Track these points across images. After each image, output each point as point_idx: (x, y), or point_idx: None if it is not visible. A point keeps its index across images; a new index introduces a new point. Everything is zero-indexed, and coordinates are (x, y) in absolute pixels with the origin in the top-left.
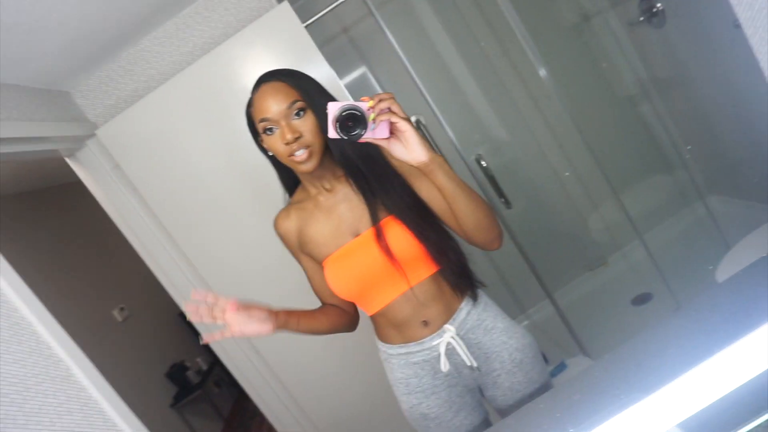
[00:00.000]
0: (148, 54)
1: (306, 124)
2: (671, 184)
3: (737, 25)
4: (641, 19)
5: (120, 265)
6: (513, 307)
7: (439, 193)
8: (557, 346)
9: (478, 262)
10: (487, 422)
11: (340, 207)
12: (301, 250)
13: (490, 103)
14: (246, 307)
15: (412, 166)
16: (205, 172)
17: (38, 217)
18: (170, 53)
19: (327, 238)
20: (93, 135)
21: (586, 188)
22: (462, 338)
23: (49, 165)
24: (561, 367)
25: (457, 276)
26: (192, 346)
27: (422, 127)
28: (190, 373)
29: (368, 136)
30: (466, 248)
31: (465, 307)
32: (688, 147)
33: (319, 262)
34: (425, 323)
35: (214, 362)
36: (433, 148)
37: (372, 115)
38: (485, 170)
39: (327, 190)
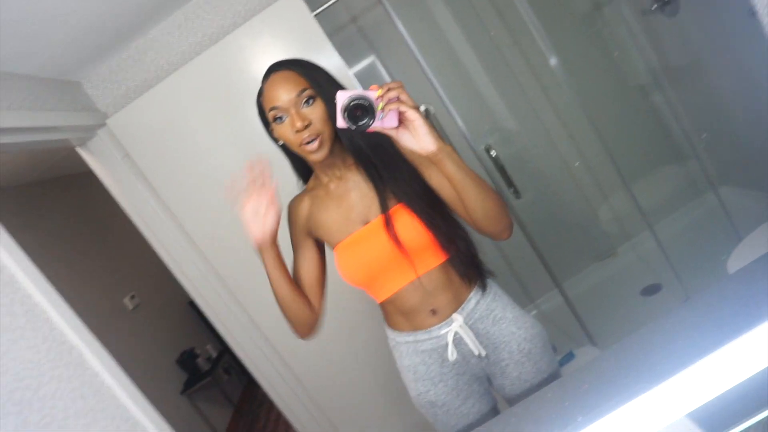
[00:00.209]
0: (158, 44)
1: (315, 112)
2: (682, 174)
3: (752, 13)
4: (654, 7)
5: (131, 253)
6: (521, 296)
7: (448, 182)
8: (565, 336)
9: (487, 252)
10: (495, 410)
11: (351, 195)
12: (309, 234)
13: (500, 93)
14: (275, 205)
15: (420, 155)
16: (215, 161)
17: (51, 207)
18: (179, 43)
19: (338, 225)
20: (103, 125)
21: (596, 178)
22: (470, 328)
23: (60, 155)
24: (569, 357)
25: (466, 265)
26: (202, 334)
27: (431, 117)
28: (200, 361)
29: (377, 126)
30: (475, 237)
31: (474, 296)
32: (703, 135)
33: (330, 248)
34: (433, 312)
35: (224, 350)
36: (441, 138)
37: (381, 105)
38: (495, 160)
39: (338, 178)
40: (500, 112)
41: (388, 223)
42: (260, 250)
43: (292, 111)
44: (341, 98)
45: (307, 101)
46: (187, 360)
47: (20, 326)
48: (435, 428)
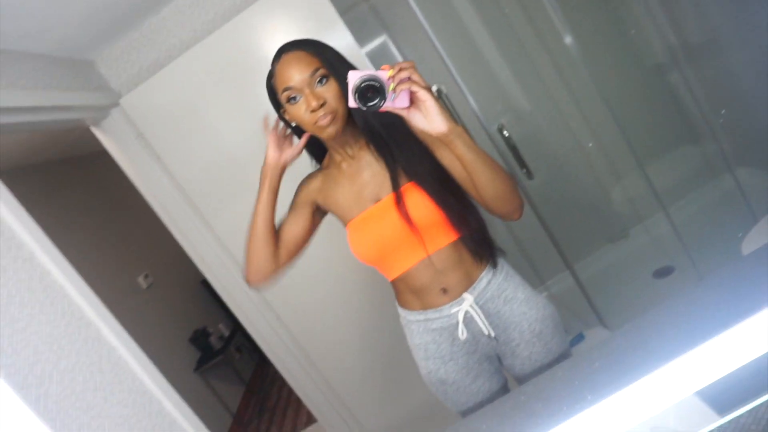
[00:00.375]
0: (170, 23)
1: (330, 90)
2: (698, 155)
3: None
4: None
5: (144, 233)
6: (532, 278)
7: (459, 162)
8: (576, 317)
9: (498, 232)
10: (505, 388)
11: (363, 173)
12: (310, 206)
13: (513, 72)
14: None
15: (432, 135)
16: (227, 140)
17: (66, 186)
18: (191, 22)
19: (350, 203)
20: (117, 104)
21: (610, 159)
22: (481, 307)
23: (75, 134)
24: (579, 338)
25: (477, 244)
26: (214, 313)
27: (443, 97)
28: (212, 339)
29: (388, 106)
30: (486, 217)
31: (485, 276)
32: (722, 111)
33: (343, 226)
34: (444, 291)
35: (236, 329)
36: (453, 119)
37: (392, 85)
38: (507, 140)
39: (350, 157)
40: (513, 91)
41: (399, 201)
42: (265, 176)
43: (306, 91)
44: (353, 78)
45: (320, 80)
46: (199, 338)
47: (39, 301)
48: (445, 406)
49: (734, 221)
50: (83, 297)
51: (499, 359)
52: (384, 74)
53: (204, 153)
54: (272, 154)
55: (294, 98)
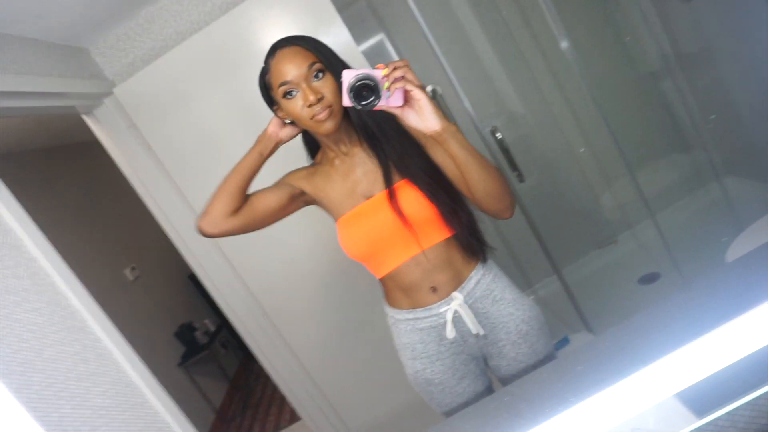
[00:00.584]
0: (167, 13)
1: (326, 85)
2: (688, 163)
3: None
4: None
5: (133, 225)
6: (520, 281)
7: (452, 161)
8: (561, 321)
9: (488, 234)
10: (490, 390)
11: (356, 170)
12: (291, 188)
13: (508, 75)
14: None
15: (425, 134)
16: (221, 133)
17: (56, 174)
18: (188, 12)
19: (341, 198)
20: (110, 93)
21: (601, 165)
22: (470, 307)
23: (67, 122)
24: (564, 342)
25: (469, 240)
26: (201, 308)
27: (438, 97)
28: (198, 334)
29: (382, 104)
30: (477, 214)
31: (475, 276)
32: (712, 116)
33: (334, 222)
34: (434, 289)
35: (222, 324)
36: (446, 117)
37: (386, 84)
38: (500, 142)
39: (344, 154)
40: (508, 94)
41: (392, 197)
42: (259, 141)
43: (303, 85)
44: (347, 77)
45: (316, 75)
46: (185, 333)
47: (25, 289)
48: (430, 406)
49: (720, 229)
50: (69, 286)
51: (485, 360)
52: (379, 73)
53: (196, 145)
54: (272, 128)
55: (290, 93)
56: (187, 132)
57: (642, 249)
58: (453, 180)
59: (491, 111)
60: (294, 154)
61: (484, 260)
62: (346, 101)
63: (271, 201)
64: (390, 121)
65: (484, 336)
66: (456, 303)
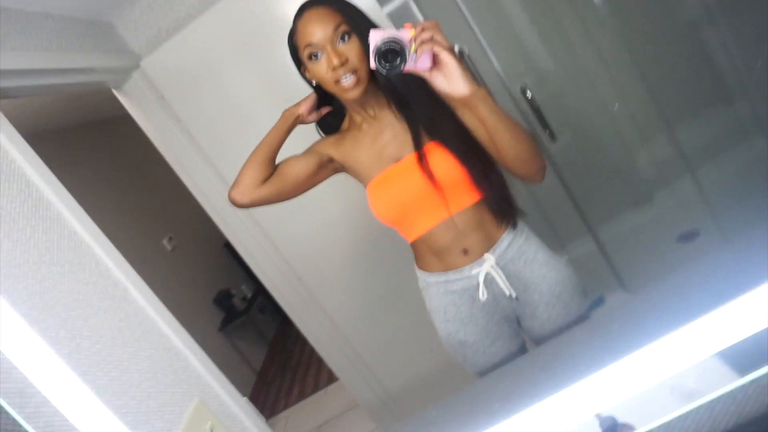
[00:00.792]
0: None
1: (352, 48)
2: (730, 116)
3: None
4: None
5: (168, 196)
6: (553, 241)
7: (481, 124)
8: (597, 281)
9: (520, 194)
10: (523, 351)
11: (385, 134)
12: (320, 156)
13: (538, 31)
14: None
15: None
16: (248, 101)
17: (90, 150)
18: None
19: (370, 163)
20: (137, 66)
21: (637, 121)
22: (501, 268)
23: (98, 97)
24: (599, 302)
25: (500, 204)
26: (237, 275)
27: (465, 58)
28: (235, 300)
29: (410, 67)
30: (507, 178)
31: (506, 237)
32: (758, 63)
33: (364, 187)
34: (465, 251)
35: (258, 290)
36: (476, 81)
37: (414, 46)
38: (530, 102)
39: (372, 117)
40: (537, 51)
41: (422, 160)
42: (282, 116)
43: (328, 48)
44: (374, 39)
45: (342, 37)
46: (223, 299)
47: (68, 260)
48: (464, 367)
49: (764, 185)
50: (110, 257)
51: (518, 321)
52: (406, 34)
53: (224, 115)
54: (302, 109)
55: (315, 55)
56: (216, 103)
57: (680, 207)
58: (483, 144)
59: (520, 69)
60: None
61: (514, 225)
62: (373, 64)
63: (300, 169)
64: (419, 82)
65: (517, 298)
66: (488, 264)
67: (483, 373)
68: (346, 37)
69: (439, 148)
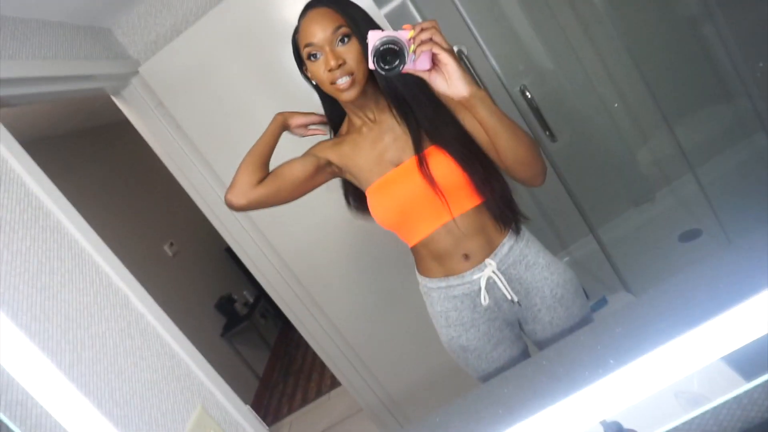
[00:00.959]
0: None
1: (350, 51)
2: (730, 114)
3: None
4: None
5: (168, 202)
6: (554, 242)
7: (481, 126)
8: (599, 282)
9: (520, 194)
10: (526, 355)
11: (384, 138)
12: (317, 159)
13: (536, 30)
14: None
15: (453, 99)
16: (247, 105)
17: (91, 156)
18: None
19: (370, 166)
20: (136, 73)
21: (636, 119)
22: (503, 273)
23: (97, 103)
24: (602, 303)
25: (501, 208)
26: (238, 280)
27: (464, 58)
28: (237, 305)
29: (409, 68)
30: (510, 181)
31: (507, 242)
32: (760, 64)
33: (362, 190)
34: (466, 256)
35: (260, 295)
36: (475, 82)
37: (413, 47)
38: (530, 102)
39: (371, 121)
40: (536, 50)
41: (422, 163)
42: (273, 120)
43: (327, 49)
44: (372, 39)
45: (342, 39)
46: (225, 305)
47: (68, 269)
48: (466, 372)
49: (765, 183)
50: (110, 265)
51: (520, 325)
52: (405, 35)
53: (224, 120)
54: (290, 114)
55: (314, 55)
56: (214, 107)
57: (682, 205)
58: (483, 146)
59: (520, 69)
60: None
61: (516, 230)
62: (371, 65)
63: (298, 171)
64: (420, 84)
65: (519, 302)
66: (489, 270)
67: (486, 378)
68: (346, 40)
69: (440, 151)
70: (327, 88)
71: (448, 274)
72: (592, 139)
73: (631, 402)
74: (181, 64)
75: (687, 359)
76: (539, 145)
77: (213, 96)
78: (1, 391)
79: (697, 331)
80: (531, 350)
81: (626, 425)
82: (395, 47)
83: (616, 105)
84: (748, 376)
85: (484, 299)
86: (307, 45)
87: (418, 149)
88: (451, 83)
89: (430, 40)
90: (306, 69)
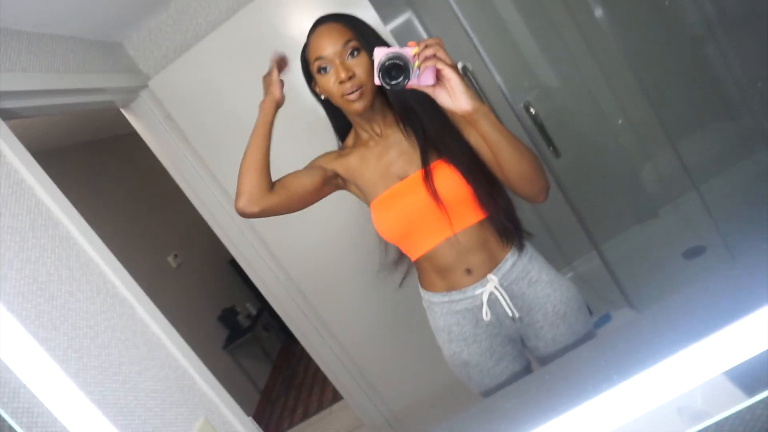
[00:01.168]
0: (196, 3)
1: (360, 64)
2: (733, 131)
3: None
4: None
5: (173, 213)
6: (558, 258)
7: (484, 142)
8: (602, 298)
9: (524, 210)
10: (528, 370)
11: (391, 152)
12: (324, 171)
13: (540, 47)
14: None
15: (456, 114)
16: (254, 120)
17: (99, 167)
18: (217, 2)
19: (375, 180)
20: (145, 86)
21: (640, 136)
22: (505, 289)
23: (107, 116)
24: (605, 319)
25: (505, 224)
26: (242, 293)
27: (469, 74)
28: (240, 318)
29: (413, 83)
30: (514, 197)
31: (510, 258)
32: (759, 84)
33: (367, 203)
34: (468, 271)
35: (263, 308)
36: (479, 97)
37: (417, 63)
38: (534, 118)
39: (378, 135)
40: (541, 67)
41: (428, 177)
42: (261, 108)
43: (337, 62)
44: (378, 55)
45: (351, 53)
46: (228, 317)
47: (76, 279)
48: (469, 387)
49: None
50: (117, 275)
51: (522, 341)
52: (410, 51)
53: (231, 134)
54: (276, 90)
55: (324, 69)
56: (222, 121)
57: (685, 222)
58: (487, 162)
59: (524, 86)
60: (321, 136)
61: (520, 247)
62: (377, 80)
63: (306, 182)
64: (429, 99)
65: (520, 318)
66: (491, 285)
67: (488, 393)
68: (356, 53)
69: (447, 165)
70: (337, 101)
71: (450, 289)
72: (596, 155)
73: (634, 417)
74: (189, 79)
75: (690, 374)
76: (542, 161)
77: (220, 110)
78: (10, 397)
79: (700, 347)
80: (534, 367)
81: None
82: (400, 63)
83: (620, 122)
84: (751, 391)
85: (486, 315)
86: (318, 58)
87: (426, 162)
88: (454, 98)
89: (434, 56)
90: (315, 84)
